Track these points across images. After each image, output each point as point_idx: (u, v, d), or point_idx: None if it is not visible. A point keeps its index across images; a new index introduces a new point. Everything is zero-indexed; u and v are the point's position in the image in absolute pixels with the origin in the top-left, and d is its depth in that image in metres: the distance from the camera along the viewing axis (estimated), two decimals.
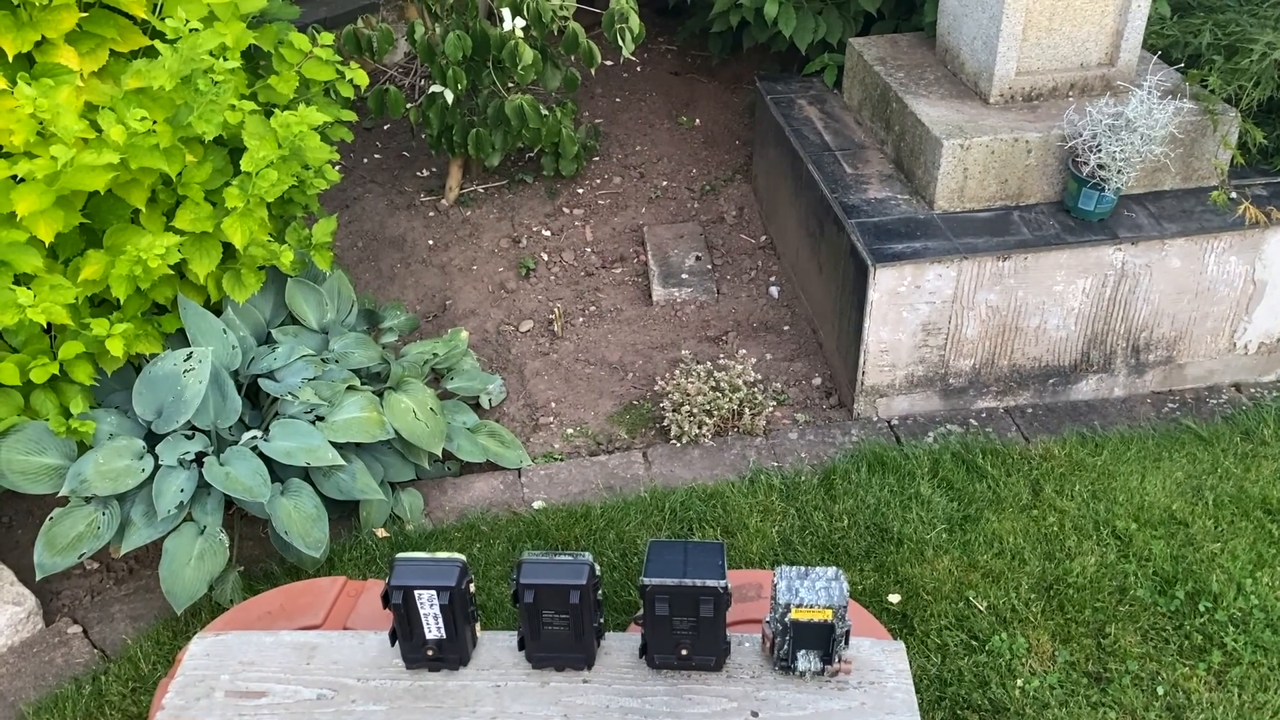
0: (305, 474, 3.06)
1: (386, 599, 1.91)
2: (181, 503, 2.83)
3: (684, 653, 1.95)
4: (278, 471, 3.01)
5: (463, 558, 1.95)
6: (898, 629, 2.85)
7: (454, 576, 1.90)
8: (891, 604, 2.93)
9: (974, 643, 2.82)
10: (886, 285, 3.36)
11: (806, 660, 1.94)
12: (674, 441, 3.53)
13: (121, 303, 2.90)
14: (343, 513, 3.25)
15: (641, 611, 1.97)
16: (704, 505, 3.25)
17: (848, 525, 3.17)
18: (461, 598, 1.93)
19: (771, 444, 3.52)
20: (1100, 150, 3.28)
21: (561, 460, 3.52)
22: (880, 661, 2.00)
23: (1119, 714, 2.64)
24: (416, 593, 1.90)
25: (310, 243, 3.32)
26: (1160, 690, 2.69)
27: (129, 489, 2.82)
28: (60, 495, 2.80)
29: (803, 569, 1.93)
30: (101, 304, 3.03)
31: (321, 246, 3.33)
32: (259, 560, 3.16)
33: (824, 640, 1.92)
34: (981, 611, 2.90)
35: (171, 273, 2.98)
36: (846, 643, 1.94)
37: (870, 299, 3.38)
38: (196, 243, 2.96)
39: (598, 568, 1.95)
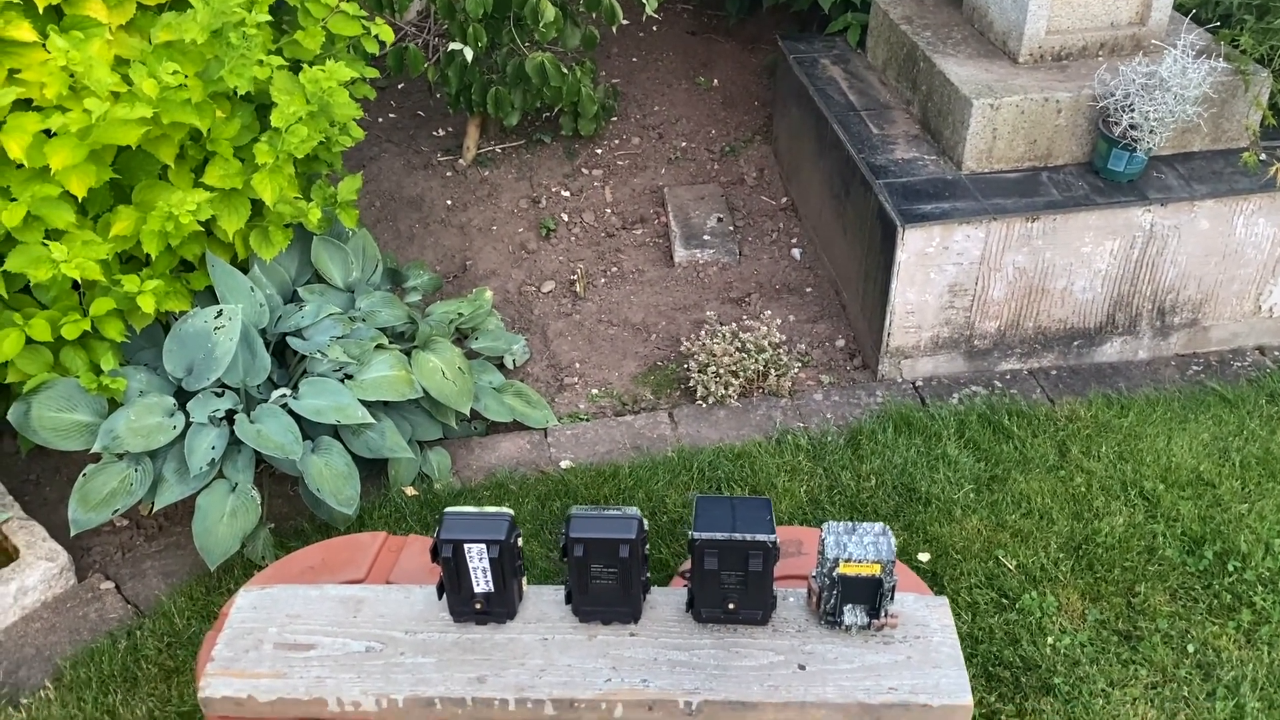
0: (335, 432, 3.06)
1: (435, 552, 1.92)
2: (213, 460, 2.83)
3: (731, 607, 1.96)
4: (307, 429, 3.00)
5: (511, 512, 1.95)
6: (928, 587, 2.86)
7: (503, 530, 1.91)
8: (921, 563, 2.94)
9: (1004, 601, 2.84)
10: (915, 246, 3.35)
11: (853, 614, 1.95)
12: (700, 402, 3.53)
13: (152, 259, 2.88)
14: (370, 471, 3.25)
15: (687, 566, 1.98)
16: (732, 465, 3.26)
17: (875, 485, 3.18)
18: (510, 551, 1.93)
19: (797, 405, 3.52)
20: (1133, 110, 3.25)
21: (587, 420, 3.52)
22: (925, 616, 2.01)
23: (1150, 671, 2.66)
24: (466, 546, 1.90)
25: (335, 201, 3.30)
26: (1190, 648, 2.71)
27: (160, 446, 2.81)
28: (92, 452, 2.79)
29: (850, 524, 1.94)
30: (129, 261, 3.01)
31: (347, 204, 3.32)
32: (288, 518, 3.17)
33: (871, 595, 1.93)
34: (1011, 570, 2.91)
35: (200, 229, 2.96)
36: (893, 597, 1.95)
37: (898, 260, 3.37)
38: (225, 199, 2.93)
39: (645, 523, 1.95)
